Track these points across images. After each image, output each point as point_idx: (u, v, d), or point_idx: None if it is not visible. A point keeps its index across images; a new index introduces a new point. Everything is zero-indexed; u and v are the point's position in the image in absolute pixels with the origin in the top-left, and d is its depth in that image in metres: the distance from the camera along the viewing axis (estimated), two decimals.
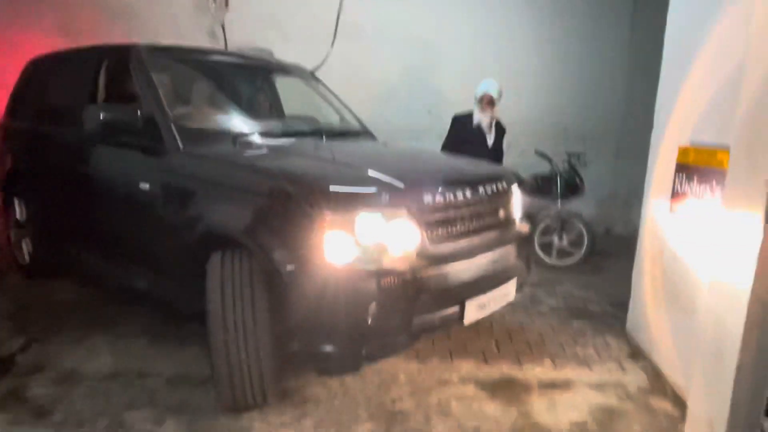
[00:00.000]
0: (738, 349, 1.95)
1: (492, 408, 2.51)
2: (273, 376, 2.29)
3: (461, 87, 6.24)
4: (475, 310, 2.50)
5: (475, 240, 2.57)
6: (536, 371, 2.88)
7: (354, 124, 3.80)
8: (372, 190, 2.28)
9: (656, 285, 2.99)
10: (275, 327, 2.24)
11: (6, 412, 2.33)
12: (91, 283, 3.70)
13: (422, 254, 2.29)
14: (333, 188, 2.20)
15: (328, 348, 2.16)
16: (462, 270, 2.47)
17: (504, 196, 2.82)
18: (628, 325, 3.36)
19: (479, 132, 4.47)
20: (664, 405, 2.60)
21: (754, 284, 1.88)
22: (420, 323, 2.30)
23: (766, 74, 1.86)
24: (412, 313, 2.26)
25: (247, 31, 6.20)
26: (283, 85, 4.14)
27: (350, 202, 2.18)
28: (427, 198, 2.36)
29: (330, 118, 3.81)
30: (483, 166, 3.19)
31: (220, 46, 6.08)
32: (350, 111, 3.91)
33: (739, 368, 1.93)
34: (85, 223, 3.31)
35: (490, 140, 4.49)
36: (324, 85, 4.03)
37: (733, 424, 1.97)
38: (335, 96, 3.95)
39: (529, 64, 6.24)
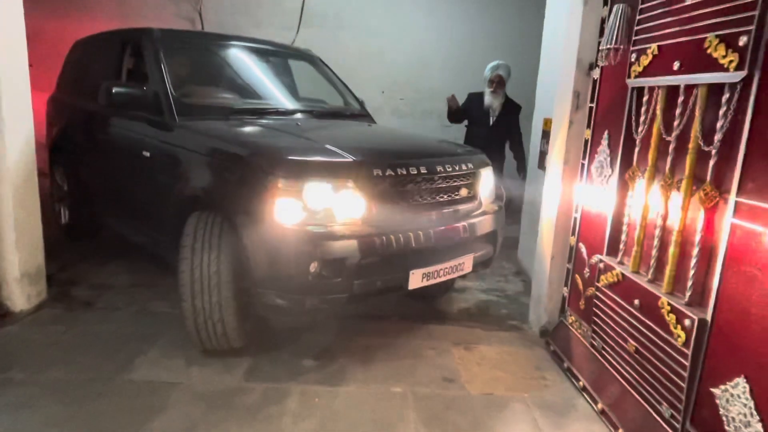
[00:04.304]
0: (544, 245, 3.07)
1: (409, 302, 3.57)
2: (235, 324, 2.55)
3: (408, 71, 7.31)
4: (419, 279, 2.60)
5: (426, 214, 2.68)
6: None
7: (354, 106, 4.04)
8: (321, 160, 2.48)
9: (531, 221, 4.09)
10: (238, 282, 2.49)
11: (62, 303, 3.29)
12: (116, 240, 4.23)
13: (368, 222, 2.45)
14: (286, 158, 2.43)
15: (279, 301, 2.39)
16: (409, 240, 2.52)
17: (466, 177, 2.89)
18: (519, 252, 4.49)
19: (485, 111, 4.70)
20: (529, 300, 3.72)
21: (559, 208, 2.98)
22: (361, 285, 2.44)
23: (566, 65, 2.93)
24: (353, 275, 2.39)
25: (221, 18, 7.04)
26: (294, 68, 4.41)
27: (301, 170, 2.37)
28: (377, 172, 2.48)
29: (333, 100, 4.07)
30: (450, 149, 3.21)
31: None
32: (352, 94, 4.17)
33: (552, 258, 3.04)
34: (106, 188, 3.79)
35: (492, 120, 4.73)
36: (331, 69, 4.29)
37: (549, 295, 3.09)
38: (340, 80, 4.24)
39: (465, 48, 7.20)
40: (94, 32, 4.38)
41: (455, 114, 4.89)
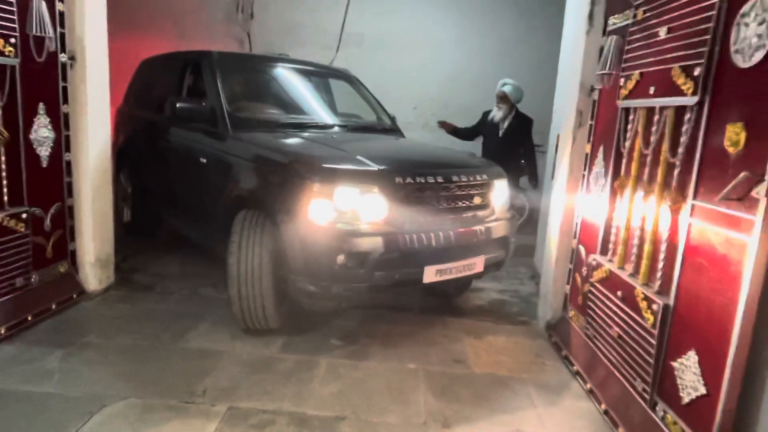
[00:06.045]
0: (551, 248, 3.40)
1: (429, 298, 3.95)
2: (274, 307, 2.96)
3: (439, 88, 7.72)
4: (432, 274, 2.90)
5: (441, 217, 2.98)
6: None
7: (385, 121, 4.42)
8: (350, 168, 2.84)
9: (546, 228, 4.41)
10: (276, 270, 2.89)
11: (125, 287, 3.80)
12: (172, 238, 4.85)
13: (389, 223, 2.78)
14: (321, 165, 2.83)
15: (311, 287, 2.76)
16: (425, 240, 2.83)
17: (480, 186, 3.17)
18: (534, 258, 4.80)
19: (494, 124, 5.24)
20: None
21: (563, 214, 3.32)
22: (381, 277, 2.77)
23: (567, 90, 3.28)
24: (374, 268, 2.73)
25: (267, 38, 7.63)
26: (334, 86, 4.84)
27: (332, 176, 2.74)
28: (398, 179, 2.82)
29: (368, 115, 4.46)
30: (466, 161, 3.50)
31: (246, 50, 7.52)
32: (384, 110, 4.53)
33: (557, 259, 3.37)
34: (165, 190, 4.27)
35: (501, 132, 5.20)
36: (366, 88, 4.68)
37: (554, 293, 3.41)
38: (374, 97, 4.62)
39: (493, 67, 7.47)
40: (154, 51, 4.93)
41: (458, 134, 5.52)
